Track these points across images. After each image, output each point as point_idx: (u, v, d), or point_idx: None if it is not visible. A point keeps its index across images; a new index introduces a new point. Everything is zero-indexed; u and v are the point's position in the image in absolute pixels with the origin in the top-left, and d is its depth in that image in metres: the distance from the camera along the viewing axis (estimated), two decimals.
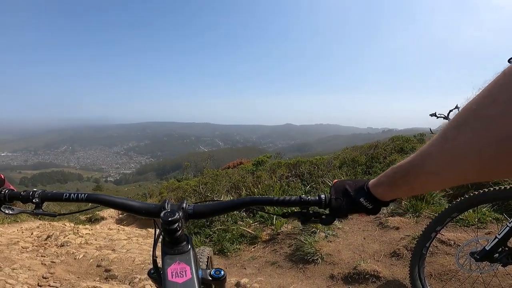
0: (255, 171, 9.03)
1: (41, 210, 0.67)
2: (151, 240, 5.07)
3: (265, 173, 7.85)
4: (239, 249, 3.56)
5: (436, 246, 2.27)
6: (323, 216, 0.68)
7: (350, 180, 0.68)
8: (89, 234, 5.15)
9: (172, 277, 0.58)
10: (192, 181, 11.45)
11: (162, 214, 0.62)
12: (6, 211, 0.65)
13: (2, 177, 0.70)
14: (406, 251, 2.41)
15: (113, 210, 10.88)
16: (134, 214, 0.70)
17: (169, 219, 0.61)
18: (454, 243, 2.26)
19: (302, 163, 7.84)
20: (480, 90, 0.39)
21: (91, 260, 3.55)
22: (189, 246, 0.64)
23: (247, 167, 10.86)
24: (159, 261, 0.67)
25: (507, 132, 0.34)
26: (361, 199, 0.62)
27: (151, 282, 2.81)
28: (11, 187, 0.71)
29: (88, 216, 9.49)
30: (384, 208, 3.30)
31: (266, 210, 3.19)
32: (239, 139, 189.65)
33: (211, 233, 4.10)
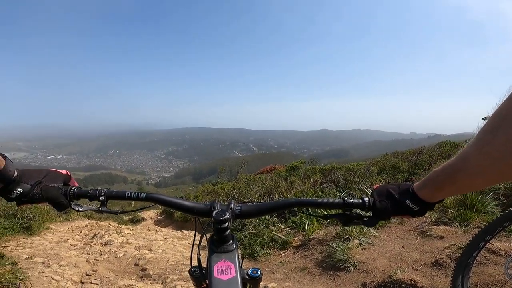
0: (289, 176, 8.92)
1: (106, 207, 0.71)
2: (185, 242, 5.22)
3: (298, 179, 7.72)
4: (269, 253, 3.57)
5: (485, 256, 2.09)
6: (365, 218, 0.70)
7: (392, 184, 0.70)
8: (130, 234, 5.46)
9: (218, 274, 0.60)
10: (226, 186, 11.65)
11: (214, 213, 0.66)
12: (76, 208, 0.69)
13: (69, 174, 0.74)
14: (449, 260, 2.24)
15: (153, 211, 11.44)
16: (186, 213, 0.73)
17: (221, 218, 0.64)
18: (505, 253, 2.07)
19: (337, 169, 7.58)
20: (508, 96, 0.44)
21: (130, 259, 3.74)
22: (234, 246, 0.67)
23: (280, 173, 10.78)
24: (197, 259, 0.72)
25: None
26: (407, 201, 0.65)
27: (182, 283, 2.89)
28: (76, 184, 0.75)
29: (130, 216, 10.09)
30: (428, 216, 3.07)
31: (308, 212, 3.18)
32: (273, 145, 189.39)
33: (242, 236, 4.12)
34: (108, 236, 4.89)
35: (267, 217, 4.52)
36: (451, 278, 1.64)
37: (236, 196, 6.82)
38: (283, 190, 6.43)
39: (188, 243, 5.09)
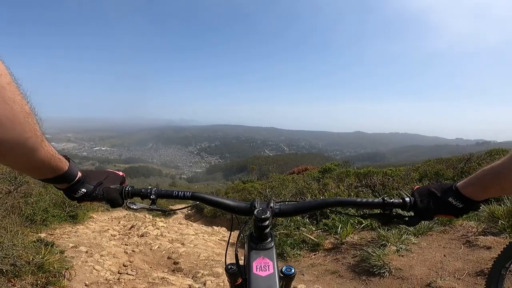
0: (321, 178, 8.69)
1: (156, 206, 0.75)
2: (215, 238, 5.28)
3: (331, 181, 7.47)
4: (299, 254, 3.54)
5: None
6: (406, 218, 0.69)
7: (434, 184, 0.70)
8: (164, 227, 5.66)
9: (256, 270, 0.63)
10: (257, 184, 11.66)
11: (256, 212, 0.68)
12: (131, 206, 0.74)
13: (124, 175, 0.80)
14: None
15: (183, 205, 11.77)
16: (229, 212, 0.77)
17: (262, 216, 0.67)
18: None
19: (373, 174, 7.20)
20: None
21: (164, 252, 3.85)
22: (273, 243, 0.70)
23: (312, 174, 10.55)
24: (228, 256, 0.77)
25: None
26: (450, 199, 0.65)
27: (212, 278, 2.90)
28: (127, 184, 0.80)
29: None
30: (474, 226, 2.82)
31: (346, 212, 3.20)
32: (304, 145, 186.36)
33: None
34: (144, 228, 5.10)
35: (298, 218, 4.48)
36: None
37: (269, 195, 6.80)
38: (316, 191, 6.26)
39: (218, 239, 5.14)
